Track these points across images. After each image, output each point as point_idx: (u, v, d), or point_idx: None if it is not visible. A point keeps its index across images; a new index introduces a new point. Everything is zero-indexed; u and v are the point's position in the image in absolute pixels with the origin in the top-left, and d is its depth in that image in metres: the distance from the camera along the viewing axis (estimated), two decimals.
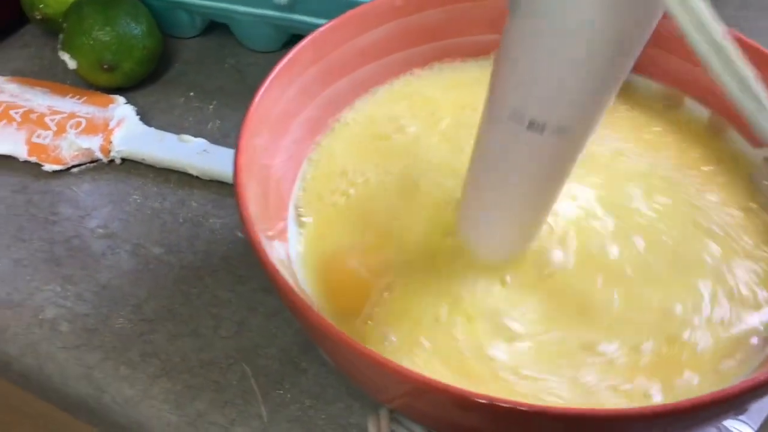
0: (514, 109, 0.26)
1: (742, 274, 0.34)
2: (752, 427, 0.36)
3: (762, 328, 0.32)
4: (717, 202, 0.37)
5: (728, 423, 0.36)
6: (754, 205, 0.37)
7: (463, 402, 0.25)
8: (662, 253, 0.35)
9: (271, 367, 0.38)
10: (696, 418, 0.26)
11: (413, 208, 0.37)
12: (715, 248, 0.35)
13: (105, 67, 0.50)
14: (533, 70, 0.25)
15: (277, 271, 0.28)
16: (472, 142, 0.30)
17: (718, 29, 0.19)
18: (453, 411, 0.27)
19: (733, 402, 0.25)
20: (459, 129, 0.40)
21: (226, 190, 0.47)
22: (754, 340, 0.32)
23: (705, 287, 0.33)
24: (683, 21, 0.19)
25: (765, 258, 0.35)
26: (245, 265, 0.43)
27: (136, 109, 0.51)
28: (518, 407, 0.24)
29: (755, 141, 0.37)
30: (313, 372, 0.38)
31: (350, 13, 0.39)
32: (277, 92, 0.36)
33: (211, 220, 0.45)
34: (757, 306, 0.33)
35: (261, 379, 0.38)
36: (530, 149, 0.27)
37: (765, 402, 0.32)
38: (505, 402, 0.24)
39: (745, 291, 0.33)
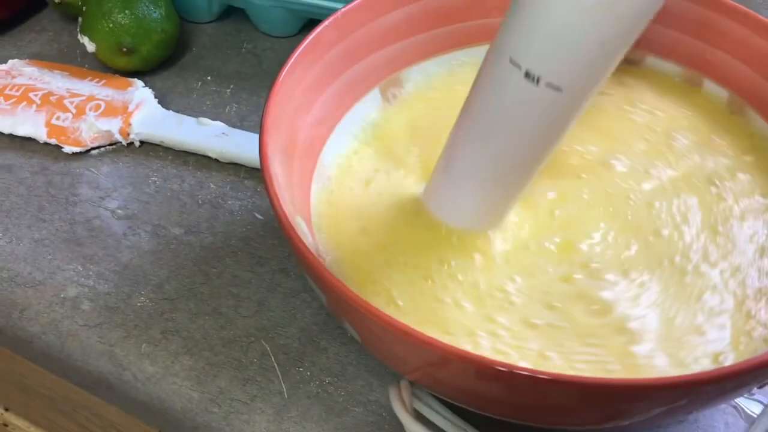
0: (512, 56, 0.26)
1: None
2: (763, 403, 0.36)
3: None
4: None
5: (744, 402, 0.37)
6: None
7: (493, 373, 0.25)
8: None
9: (291, 346, 0.39)
10: (718, 389, 0.26)
11: None
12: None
13: (124, 50, 0.50)
14: (535, 17, 0.25)
15: (304, 245, 0.29)
16: None
17: None
18: (484, 383, 0.27)
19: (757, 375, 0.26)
20: None
21: (244, 172, 0.47)
22: None
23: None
24: None
25: None
26: (264, 246, 0.43)
27: (154, 92, 0.51)
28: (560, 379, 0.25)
29: None
30: (333, 351, 0.39)
31: None
32: (301, 71, 0.36)
33: (229, 202, 0.45)
34: None
35: (281, 357, 0.38)
36: (524, 98, 0.27)
37: None
38: (545, 374, 0.25)
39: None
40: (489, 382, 0.27)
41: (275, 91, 0.34)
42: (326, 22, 0.37)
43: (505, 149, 0.30)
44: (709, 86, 0.40)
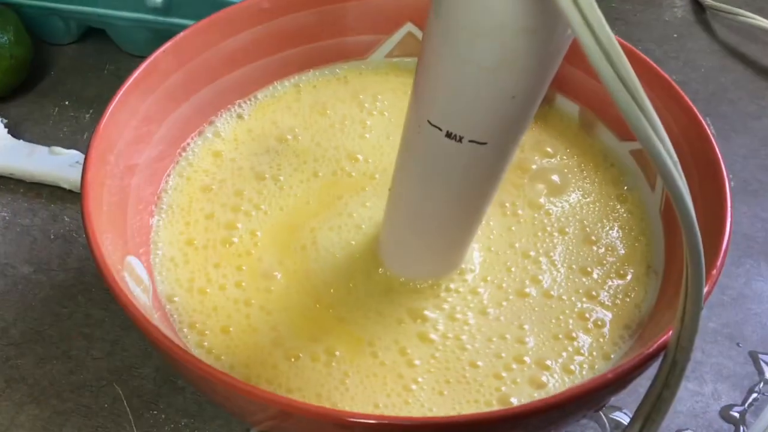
0: (430, 120, 0.25)
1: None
2: (628, 414, 0.37)
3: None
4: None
5: (609, 413, 0.37)
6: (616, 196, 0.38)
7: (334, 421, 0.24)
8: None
9: (146, 388, 0.37)
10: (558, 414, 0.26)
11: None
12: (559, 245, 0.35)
13: None
14: (442, 82, 0.24)
15: (126, 297, 0.27)
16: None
17: (608, 31, 0.19)
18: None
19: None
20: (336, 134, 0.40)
21: None
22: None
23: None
24: (575, 22, 0.19)
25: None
26: None
27: (5, 121, 0.48)
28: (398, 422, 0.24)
29: (622, 135, 0.38)
30: (190, 390, 0.37)
31: (215, 15, 0.37)
32: (137, 100, 0.34)
33: (84, 236, 0.43)
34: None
35: (134, 401, 0.36)
36: (451, 154, 0.26)
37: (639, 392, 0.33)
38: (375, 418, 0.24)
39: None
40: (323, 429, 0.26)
41: (103, 122, 0.32)
42: (163, 48, 0.35)
43: (444, 202, 0.29)
44: (562, 102, 0.40)
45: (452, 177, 0.27)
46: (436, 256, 0.33)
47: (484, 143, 0.25)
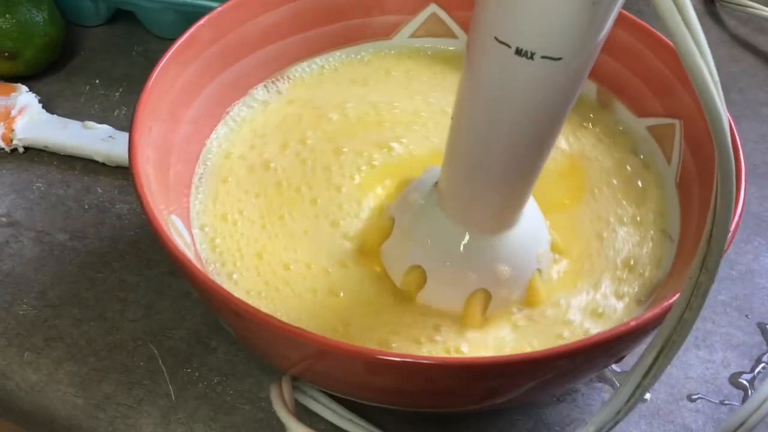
0: (498, 36, 0.23)
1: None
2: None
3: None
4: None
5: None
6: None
7: (369, 362, 0.25)
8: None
9: (180, 348, 0.38)
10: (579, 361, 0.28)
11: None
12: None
13: (5, 54, 0.49)
14: None
15: (172, 241, 0.28)
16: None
17: None
18: (357, 372, 0.27)
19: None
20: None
21: None
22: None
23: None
24: None
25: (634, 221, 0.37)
26: (154, 249, 0.43)
27: (39, 97, 0.50)
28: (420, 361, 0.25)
29: (639, 111, 0.39)
30: (222, 350, 0.38)
31: None
32: (176, 70, 0.36)
33: (117, 206, 0.45)
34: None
35: (169, 360, 0.38)
36: (521, 75, 0.24)
37: None
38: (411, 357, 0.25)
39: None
40: (358, 371, 0.27)
41: (147, 89, 0.34)
42: (202, 21, 0.37)
43: (513, 134, 0.27)
44: None
45: (520, 106, 0.25)
46: (493, 208, 0.31)
47: (559, 59, 0.23)
